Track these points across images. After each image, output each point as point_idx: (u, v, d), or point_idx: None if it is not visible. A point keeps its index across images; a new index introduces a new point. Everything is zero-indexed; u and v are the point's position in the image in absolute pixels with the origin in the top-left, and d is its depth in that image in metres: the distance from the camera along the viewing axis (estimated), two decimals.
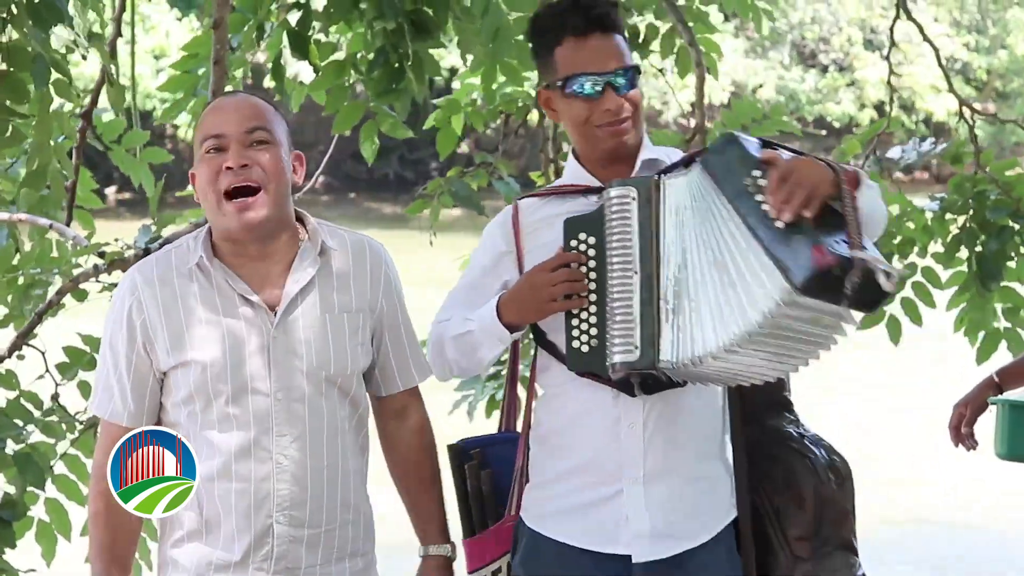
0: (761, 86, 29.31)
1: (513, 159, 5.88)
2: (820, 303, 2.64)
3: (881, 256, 2.65)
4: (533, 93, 5.27)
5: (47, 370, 4.71)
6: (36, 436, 4.65)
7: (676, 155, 3.04)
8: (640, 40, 5.46)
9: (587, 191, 2.99)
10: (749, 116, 5.26)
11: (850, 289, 2.59)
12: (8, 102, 3.79)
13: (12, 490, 4.60)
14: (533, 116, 5.53)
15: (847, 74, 30.63)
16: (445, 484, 3.10)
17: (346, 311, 2.91)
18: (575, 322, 2.86)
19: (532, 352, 3.08)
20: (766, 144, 2.78)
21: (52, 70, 3.72)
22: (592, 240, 2.85)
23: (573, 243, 2.87)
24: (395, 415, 3.05)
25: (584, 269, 2.85)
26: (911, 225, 5.57)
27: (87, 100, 4.80)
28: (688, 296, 2.75)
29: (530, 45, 3.12)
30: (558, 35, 2.95)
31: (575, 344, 2.86)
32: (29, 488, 4.60)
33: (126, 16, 4.84)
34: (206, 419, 2.83)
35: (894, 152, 6.01)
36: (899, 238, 5.53)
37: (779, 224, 2.62)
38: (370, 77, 4.70)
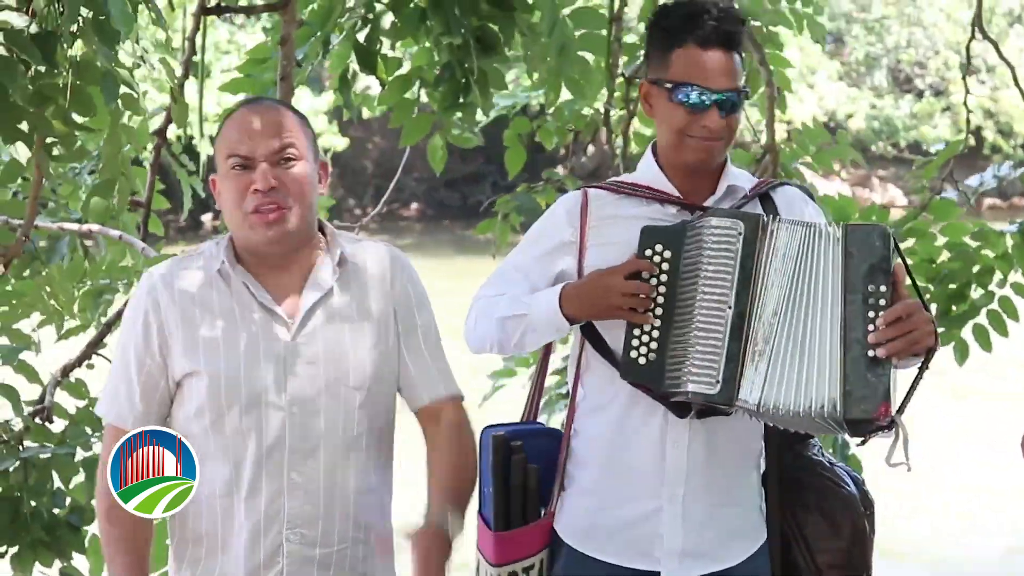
0: (851, 116, 29.10)
1: (581, 175, 5.89)
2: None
3: None
4: (602, 110, 5.31)
5: None
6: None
7: (748, 181, 3.04)
8: None
9: (665, 199, 2.97)
10: (817, 141, 5.27)
11: (870, 437, 2.77)
12: (76, 115, 3.86)
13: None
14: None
15: (943, 99, 30.29)
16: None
17: (366, 319, 2.85)
18: (636, 332, 2.84)
19: (579, 349, 3.03)
20: (896, 247, 2.79)
21: (121, 85, 3.77)
22: (668, 254, 2.83)
23: (648, 252, 2.84)
24: (430, 419, 2.94)
25: (654, 281, 2.83)
26: (989, 253, 5.41)
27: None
28: (775, 344, 2.77)
29: (646, 30, 3.06)
30: (681, 36, 2.88)
31: (632, 354, 2.84)
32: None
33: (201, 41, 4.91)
34: (218, 431, 2.76)
35: (973, 180, 5.93)
36: (977, 267, 5.36)
37: (870, 352, 2.70)
38: (436, 92, 4.74)
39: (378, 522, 2.91)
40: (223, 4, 4.24)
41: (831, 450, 4.90)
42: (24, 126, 3.76)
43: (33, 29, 3.59)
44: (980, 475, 10.52)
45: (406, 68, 4.93)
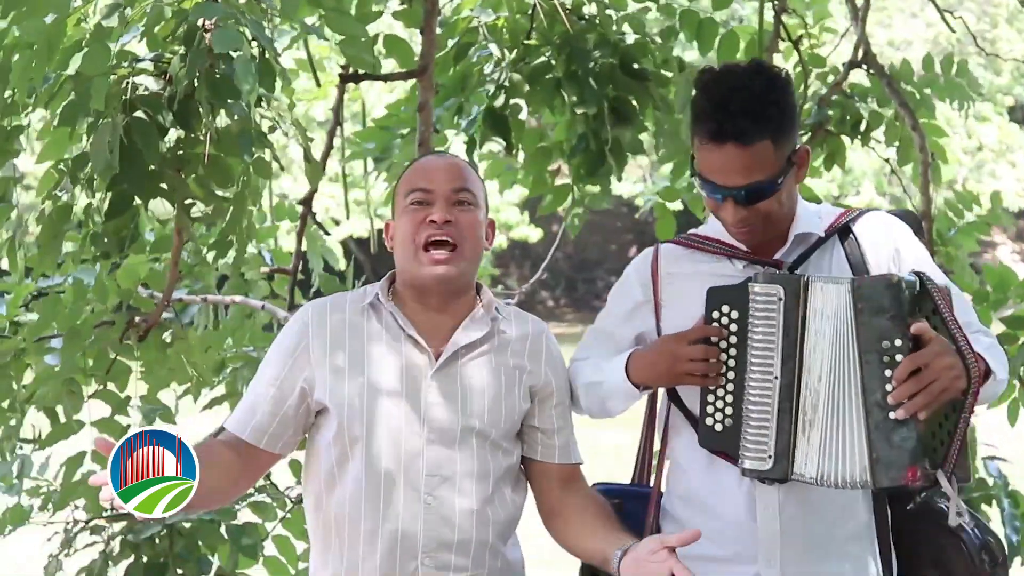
0: None
1: None
2: None
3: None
4: None
5: None
6: (246, 515, 4.79)
7: (830, 216, 2.91)
8: (863, 128, 5.38)
9: (734, 254, 2.88)
10: (970, 204, 5.14)
11: (917, 498, 2.69)
12: (214, 185, 3.92)
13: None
14: None
15: None
16: None
17: (504, 368, 2.89)
18: (710, 398, 2.76)
19: (666, 412, 2.97)
20: (922, 289, 2.61)
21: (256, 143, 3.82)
22: (735, 315, 2.74)
23: (715, 315, 2.76)
24: (560, 483, 2.95)
25: (724, 344, 2.75)
26: None
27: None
28: (822, 412, 2.65)
29: None
30: (700, 125, 2.76)
31: (708, 421, 2.77)
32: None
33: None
34: (356, 452, 2.81)
35: None
36: None
37: (890, 415, 2.54)
38: (571, 162, 4.73)
39: (512, 553, 2.92)
40: (361, 72, 4.28)
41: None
42: (164, 186, 3.85)
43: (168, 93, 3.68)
44: None
45: (547, 142, 4.94)
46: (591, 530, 2.85)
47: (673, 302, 2.91)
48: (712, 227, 2.95)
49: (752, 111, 2.70)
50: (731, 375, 2.74)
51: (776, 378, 2.67)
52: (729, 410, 2.74)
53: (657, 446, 3.02)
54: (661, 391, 2.97)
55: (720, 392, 2.75)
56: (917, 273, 2.63)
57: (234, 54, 3.48)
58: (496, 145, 4.90)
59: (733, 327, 2.74)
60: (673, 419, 2.95)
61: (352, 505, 2.80)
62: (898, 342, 2.54)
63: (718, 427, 2.76)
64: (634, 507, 2.99)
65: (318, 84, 4.59)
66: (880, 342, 2.55)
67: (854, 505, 2.85)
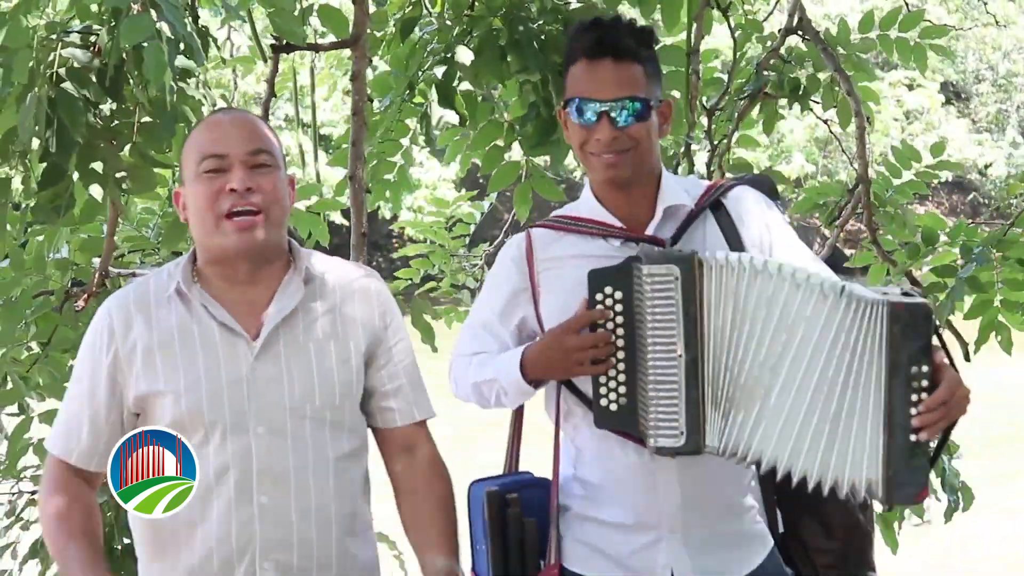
0: (989, 165, 28.60)
1: None
2: None
3: None
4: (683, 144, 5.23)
5: None
6: None
7: (696, 188, 2.92)
8: (800, 92, 5.39)
9: (608, 233, 2.87)
10: (910, 161, 5.16)
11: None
12: (152, 152, 3.87)
13: None
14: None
15: None
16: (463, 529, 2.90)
17: (333, 337, 2.73)
18: (603, 379, 2.76)
19: (556, 395, 2.93)
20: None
21: (185, 118, 3.77)
22: (619, 295, 2.73)
23: (599, 297, 2.74)
24: (402, 450, 2.82)
25: (611, 326, 2.74)
26: None
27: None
28: (756, 393, 2.64)
29: None
30: (574, 54, 2.83)
31: (603, 402, 2.76)
32: None
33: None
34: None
35: None
36: None
37: (912, 437, 2.55)
38: (523, 131, 4.68)
39: (363, 550, 2.80)
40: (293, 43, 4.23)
41: None
42: (99, 166, 3.80)
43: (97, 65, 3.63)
44: None
45: (502, 117, 4.85)
46: (413, 519, 2.78)
47: (551, 287, 2.88)
48: (580, 205, 2.94)
49: (629, 33, 2.81)
50: (621, 355, 2.74)
51: (680, 356, 2.67)
52: (623, 389, 2.74)
53: (554, 431, 3.00)
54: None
55: (612, 372, 2.74)
56: (922, 293, 2.63)
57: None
58: (448, 118, 4.82)
59: (619, 307, 2.74)
60: (565, 402, 2.93)
61: (185, 510, 2.64)
62: (925, 368, 2.55)
63: (613, 407, 2.76)
64: (534, 495, 2.97)
65: (264, 60, 4.55)
66: (910, 367, 2.55)
67: (748, 469, 2.87)
